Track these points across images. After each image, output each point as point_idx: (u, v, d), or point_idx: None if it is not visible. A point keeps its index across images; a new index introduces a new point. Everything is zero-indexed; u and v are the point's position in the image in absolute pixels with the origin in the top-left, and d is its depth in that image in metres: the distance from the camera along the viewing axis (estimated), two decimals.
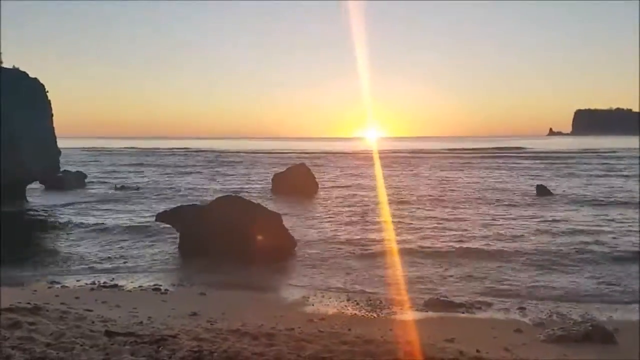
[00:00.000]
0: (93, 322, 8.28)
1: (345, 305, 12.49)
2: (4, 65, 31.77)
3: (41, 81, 31.98)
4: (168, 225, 20.24)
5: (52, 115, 32.66)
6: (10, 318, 7.84)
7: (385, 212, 26.23)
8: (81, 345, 6.45)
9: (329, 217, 25.28)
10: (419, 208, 28.00)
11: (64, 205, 29.84)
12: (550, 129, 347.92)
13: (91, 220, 25.01)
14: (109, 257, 17.75)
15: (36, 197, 33.57)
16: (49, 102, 32.33)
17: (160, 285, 14.08)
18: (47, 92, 32.32)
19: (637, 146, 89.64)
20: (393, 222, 23.55)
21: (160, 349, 6.32)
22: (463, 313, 11.96)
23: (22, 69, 31.71)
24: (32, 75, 31.69)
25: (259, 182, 43.22)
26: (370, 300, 12.79)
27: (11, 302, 9.23)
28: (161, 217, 20.38)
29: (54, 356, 5.97)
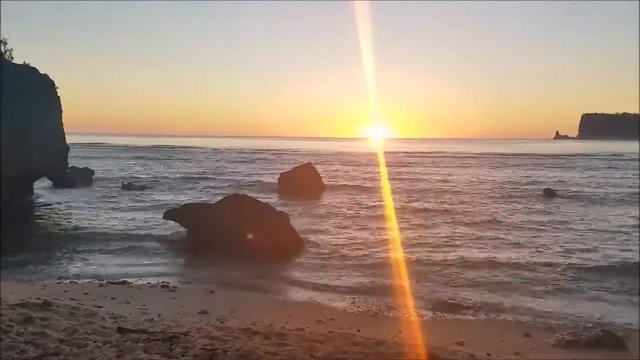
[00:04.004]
0: (104, 319, 8.31)
1: (353, 306, 12.49)
2: (15, 61, 32.03)
3: (51, 77, 32.14)
4: (176, 223, 20.33)
5: (61, 111, 32.83)
6: (22, 313, 7.88)
7: (391, 213, 26.23)
8: (94, 342, 6.47)
9: (336, 217, 25.28)
10: (424, 209, 27.99)
11: (71, 201, 29.95)
12: (557, 133, 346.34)
13: (99, 216, 25.13)
14: (116, 253, 17.83)
15: (44, 193, 33.70)
16: (58, 98, 32.49)
17: (169, 283, 14.12)
18: (57, 88, 32.48)
19: None
20: (399, 223, 23.54)
21: (173, 346, 6.33)
22: (471, 316, 11.94)
23: (32, 65, 31.90)
24: (42, 71, 31.87)
25: (265, 181, 43.24)
26: (377, 301, 12.79)
27: (21, 297, 9.28)
28: (169, 214, 20.49)
29: (68, 352, 5.99)
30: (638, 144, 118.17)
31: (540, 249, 18.54)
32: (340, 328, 9.35)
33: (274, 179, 40.96)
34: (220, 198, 21.60)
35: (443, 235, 21.16)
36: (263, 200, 21.81)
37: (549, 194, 33.71)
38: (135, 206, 28.67)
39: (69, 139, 34.87)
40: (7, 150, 27.28)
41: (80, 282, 13.98)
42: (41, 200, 30.73)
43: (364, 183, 43.38)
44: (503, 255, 17.55)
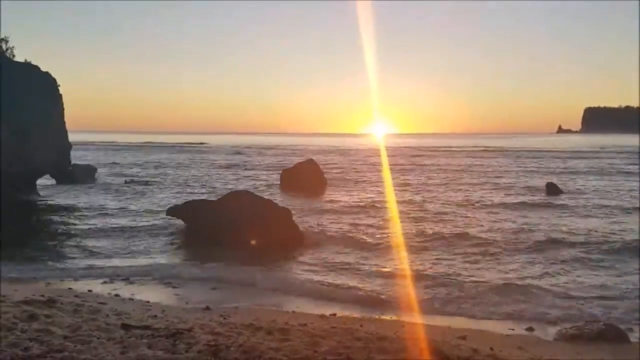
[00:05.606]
0: (107, 315, 8.35)
1: (355, 301, 12.49)
2: (16, 59, 32.03)
3: (53, 75, 32.14)
4: (178, 220, 20.37)
5: (63, 109, 32.84)
6: (26, 310, 7.93)
7: (394, 209, 26.21)
8: (98, 338, 6.51)
9: (338, 214, 25.25)
10: (427, 203, 27.97)
11: (74, 199, 29.99)
12: (560, 127, 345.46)
13: (101, 213, 25.14)
14: (119, 250, 17.86)
15: (47, 190, 33.73)
16: (60, 95, 32.48)
17: (172, 279, 14.16)
18: (59, 86, 32.48)
19: None
20: (401, 218, 23.52)
21: (177, 342, 6.35)
22: (473, 309, 11.92)
23: (34, 63, 31.90)
24: (43, 69, 31.85)
25: (268, 178, 43.28)
26: (379, 297, 12.79)
27: (25, 295, 9.33)
28: (171, 211, 20.54)
29: (72, 349, 6.02)
30: None
31: (542, 245, 18.50)
32: (343, 323, 9.37)
33: (277, 175, 41.01)
34: (223, 194, 21.63)
35: (445, 229, 21.13)
36: (265, 196, 21.83)
37: (552, 189, 33.58)
38: (137, 203, 28.70)
39: (72, 137, 34.90)
40: (8, 148, 27.33)
41: (83, 279, 14.03)
42: (43, 197, 30.77)
43: (367, 178, 43.38)
44: (500, 249, 17.57)
